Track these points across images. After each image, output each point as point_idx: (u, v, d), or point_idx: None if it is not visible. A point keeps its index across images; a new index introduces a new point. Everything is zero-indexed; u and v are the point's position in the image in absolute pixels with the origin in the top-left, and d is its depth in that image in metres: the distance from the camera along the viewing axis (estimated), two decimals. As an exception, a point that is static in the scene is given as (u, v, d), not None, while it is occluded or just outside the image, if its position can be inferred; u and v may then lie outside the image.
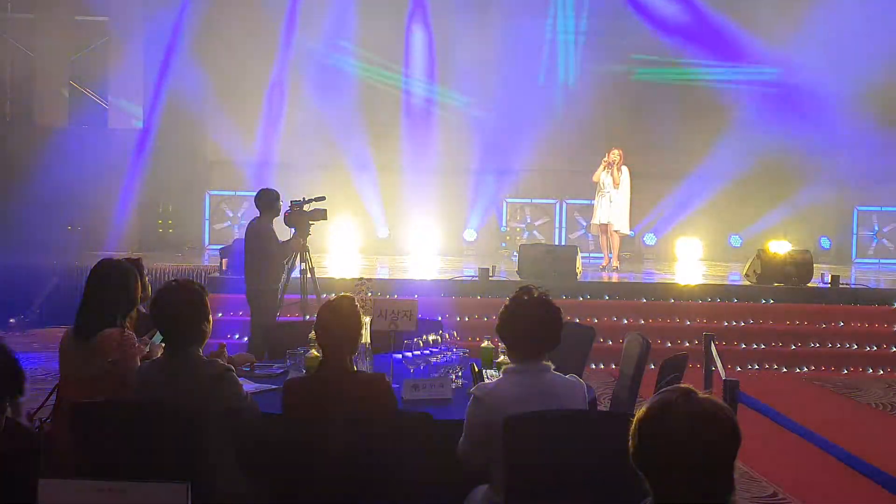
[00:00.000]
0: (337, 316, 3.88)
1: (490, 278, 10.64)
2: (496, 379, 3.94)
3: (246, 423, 3.84)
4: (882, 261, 14.40)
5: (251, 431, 3.87)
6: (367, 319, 5.41)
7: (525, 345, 3.73)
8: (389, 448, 3.57)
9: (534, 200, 14.61)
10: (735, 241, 14.42)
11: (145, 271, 4.92)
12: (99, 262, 4.42)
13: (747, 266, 11.21)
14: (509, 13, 14.46)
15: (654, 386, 4.63)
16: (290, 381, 3.95)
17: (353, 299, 4.07)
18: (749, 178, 14.37)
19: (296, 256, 8.51)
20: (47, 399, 4.49)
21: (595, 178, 12.01)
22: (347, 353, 3.87)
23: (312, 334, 4.92)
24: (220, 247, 11.82)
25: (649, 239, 14.45)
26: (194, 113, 14.07)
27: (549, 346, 3.76)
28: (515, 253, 11.97)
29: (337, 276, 10.81)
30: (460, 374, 4.81)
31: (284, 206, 8.44)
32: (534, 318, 3.72)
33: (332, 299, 4.05)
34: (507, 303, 3.82)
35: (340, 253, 13.64)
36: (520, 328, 3.72)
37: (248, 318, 8.54)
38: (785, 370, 9.67)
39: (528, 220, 14.54)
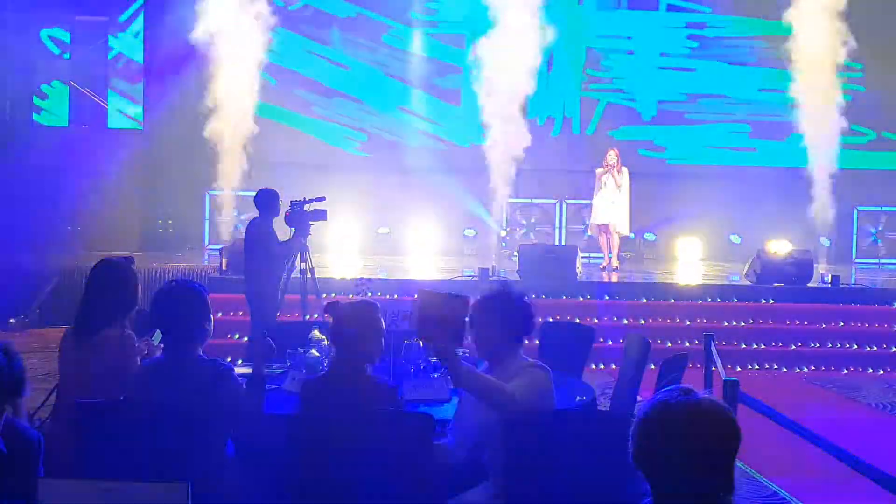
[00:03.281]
0: (355, 320, 3.91)
1: (490, 278, 10.63)
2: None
3: (247, 423, 3.84)
4: (882, 261, 14.39)
5: (252, 431, 3.87)
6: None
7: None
8: (389, 450, 3.57)
9: (534, 200, 14.60)
10: (735, 240, 14.40)
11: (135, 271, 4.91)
12: (99, 262, 4.41)
13: (747, 266, 11.20)
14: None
15: (654, 386, 4.63)
16: (307, 381, 4.09)
17: (375, 306, 4.07)
18: (749, 177, 14.37)
19: (296, 256, 8.51)
20: (47, 399, 4.49)
21: (600, 182, 12.01)
22: (364, 357, 3.91)
23: (313, 334, 4.94)
24: (220, 247, 11.82)
25: (649, 236, 14.45)
26: (194, 113, 14.07)
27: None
28: (515, 253, 11.97)
29: (337, 276, 10.81)
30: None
31: (284, 205, 8.44)
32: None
33: (354, 302, 4.07)
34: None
35: (340, 253, 13.63)
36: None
37: (248, 318, 8.54)
38: (785, 370, 9.67)
39: (528, 220, 14.53)
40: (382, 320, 4.03)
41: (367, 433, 3.55)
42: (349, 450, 3.52)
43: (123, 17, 13.96)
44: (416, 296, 3.96)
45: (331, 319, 4.01)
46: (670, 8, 14.71)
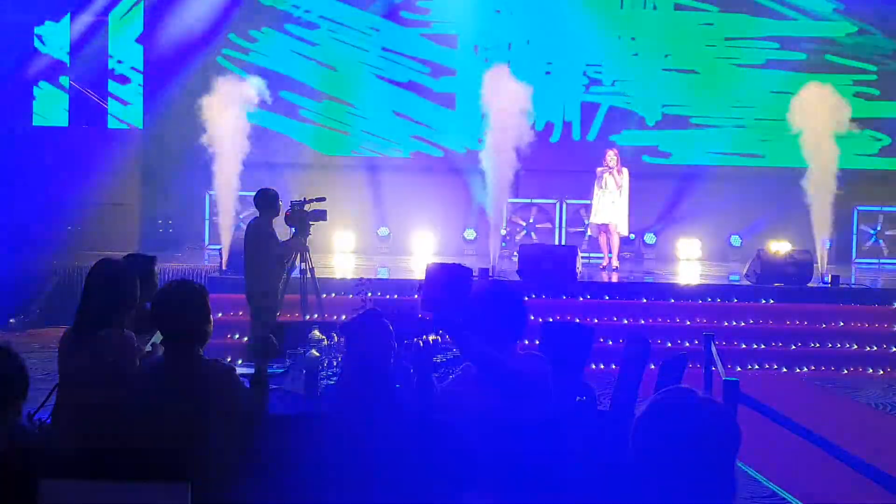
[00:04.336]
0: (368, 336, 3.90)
1: (490, 278, 10.63)
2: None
3: (248, 423, 3.84)
4: (882, 261, 14.38)
5: (253, 431, 3.87)
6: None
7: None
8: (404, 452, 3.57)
9: (534, 200, 14.60)
10: (735, 240, 14.39)
11: (156, 269, 4.92)
12: (98, 262, 4.41)
13: (747, 266, 11.20)
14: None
15: (654, 386, 4.63)
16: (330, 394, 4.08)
17: (380, 314, 4.05)
18: (749, 177, 14.36)
19: (296, 256, 8.52)
20: (47, 399, 4.48)
21: (601, 181, 12.03)
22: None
23: (313, 334, 4.94)
24: (219, 247, 11.82)
25: (649, 238, 14.44)
26: (194, 113, 14.05)
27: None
28: (515, 253, 11.97)
29: (337, 276, 10.81)
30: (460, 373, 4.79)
31: (284, 206, 8.44)
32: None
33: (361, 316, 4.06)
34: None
35: (340, 253, 13.63)
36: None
37: (248, 318, 8.54)
38: (785, 370, 9.67)
39: (528, 220, 14.53)
40: (390, 325, 4.04)
41: (387, 436, 3.55)
42: (363, 451, 3.52)
43: (122, 16, 13.95)
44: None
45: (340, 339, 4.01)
46: (677, 7, 14.57)
